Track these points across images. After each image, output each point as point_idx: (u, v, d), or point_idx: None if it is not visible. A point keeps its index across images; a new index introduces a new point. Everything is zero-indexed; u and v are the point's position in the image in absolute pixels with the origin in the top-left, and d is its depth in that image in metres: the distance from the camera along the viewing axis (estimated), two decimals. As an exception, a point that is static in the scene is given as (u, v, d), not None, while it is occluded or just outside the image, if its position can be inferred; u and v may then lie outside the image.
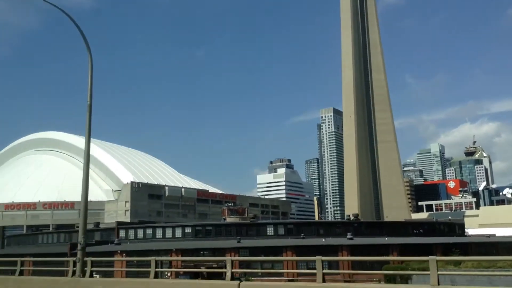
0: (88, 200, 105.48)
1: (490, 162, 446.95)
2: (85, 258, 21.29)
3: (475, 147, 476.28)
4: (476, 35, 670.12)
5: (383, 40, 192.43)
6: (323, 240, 55.35)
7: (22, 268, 27.87)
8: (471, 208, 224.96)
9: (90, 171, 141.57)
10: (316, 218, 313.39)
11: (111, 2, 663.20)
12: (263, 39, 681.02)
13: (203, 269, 39.19)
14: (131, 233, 70.51)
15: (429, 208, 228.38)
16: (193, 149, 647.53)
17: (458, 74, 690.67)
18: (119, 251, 52.15)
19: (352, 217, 73.96)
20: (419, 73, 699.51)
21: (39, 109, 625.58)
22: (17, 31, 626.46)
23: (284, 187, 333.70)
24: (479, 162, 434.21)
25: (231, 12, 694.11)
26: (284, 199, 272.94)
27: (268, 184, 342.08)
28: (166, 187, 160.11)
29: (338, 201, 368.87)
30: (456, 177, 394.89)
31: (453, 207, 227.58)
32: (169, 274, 42.00)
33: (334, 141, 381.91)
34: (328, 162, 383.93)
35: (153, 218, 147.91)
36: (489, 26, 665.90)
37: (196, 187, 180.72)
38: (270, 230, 65.47)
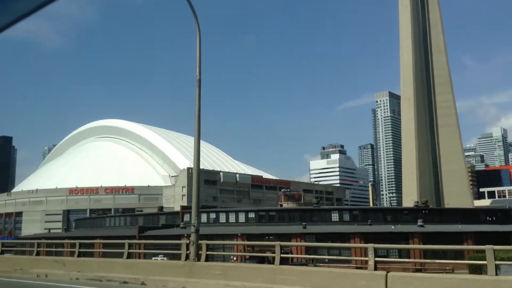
0: (147, 185, 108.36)
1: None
2: (200, 242, 20.48)
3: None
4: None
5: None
6: (393, 227, 53.05)
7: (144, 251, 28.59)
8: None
9: (147, 157, 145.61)
10: (371, 204, 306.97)
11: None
12: (315, 21, 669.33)
13: (268, 254, 38.33)
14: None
15: (491, 194, 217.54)
16: (245, 135, 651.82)
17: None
18: (185, 235, 52.48)
19: (420, 204, 70.75)
20: (478, 54, 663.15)
21: (98, 98, 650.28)
22: (74, 21, 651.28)
23: (338, 173, 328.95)
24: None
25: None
26: (338, 185, 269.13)
27: (322, 170, 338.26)
28: (221, 173, 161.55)
29: (394, 188, 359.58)
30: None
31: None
32: (234, 258, 41.65)
33: (390, 126, 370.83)
34: (383, 147, 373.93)
35: (209, 203, 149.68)
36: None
37: (250, 173, 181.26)
38: (335, 216, 63.75)
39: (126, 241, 22.62)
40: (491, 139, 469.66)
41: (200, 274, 18.15)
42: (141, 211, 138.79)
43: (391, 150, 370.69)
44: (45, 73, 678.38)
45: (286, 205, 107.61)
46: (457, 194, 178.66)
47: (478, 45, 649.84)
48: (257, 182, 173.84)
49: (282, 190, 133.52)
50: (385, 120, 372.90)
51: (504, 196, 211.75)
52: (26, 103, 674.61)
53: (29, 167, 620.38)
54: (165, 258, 40.16)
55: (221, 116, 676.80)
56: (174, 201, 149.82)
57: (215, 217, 69.67)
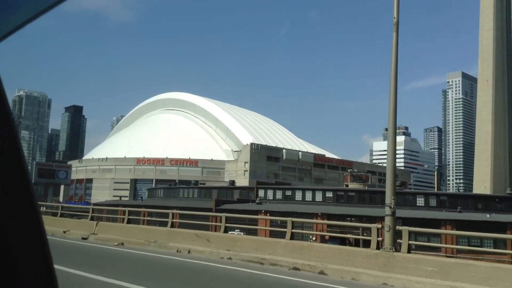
0: (211, 159, 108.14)
1: None
2: (398, 228, 16.97)
3: None
4: None
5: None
6: (488, 215, 49.25)
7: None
8: None
9: (211, 130, 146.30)
10: (435, 189, 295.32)
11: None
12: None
13: (349, 236, 36.38)
14: (270, 193, 70.51)
15: None
16: (305, 114, 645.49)
17: None
18: (262, 211, 51.74)
19: None
20: None
21: (165, 72, 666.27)
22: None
23: (402, 156, 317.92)
24: None
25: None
26: (402, 168, 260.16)
27: (385, 151, 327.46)
28: (284, 150, 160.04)
29: (461, 173, 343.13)
30: None
31: None
32: (314, 238, 40.07)
33: (461, 108, 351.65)
34: (452, 131, 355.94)
35: (270, 180, 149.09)
36: None
37: (313, 152, 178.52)
38: (420, 201, 60.46)
39: (289, 219, 19.64)
40: None
41: (403, 269, 14.44)
42: (204, 184, 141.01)
43: (461, 133, 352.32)
44: (114, 46, 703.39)
45: (353, 186, 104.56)
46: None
47: None
48: (319, 161, 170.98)
49: (349, 170, 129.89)
50: (456, 102, 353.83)
51: None
52: (97, 75, 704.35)
53: (97, 136, 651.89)
54: (242, 233, 39.16)
55: (284, 92, 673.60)
56: (236, 176, 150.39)
57: (290, 194, 68.61)
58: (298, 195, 66.75)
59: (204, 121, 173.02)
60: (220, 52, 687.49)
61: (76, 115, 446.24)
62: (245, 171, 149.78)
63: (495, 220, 45.61)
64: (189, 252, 19.67)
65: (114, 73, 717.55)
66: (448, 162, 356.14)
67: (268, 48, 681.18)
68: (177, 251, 19.91)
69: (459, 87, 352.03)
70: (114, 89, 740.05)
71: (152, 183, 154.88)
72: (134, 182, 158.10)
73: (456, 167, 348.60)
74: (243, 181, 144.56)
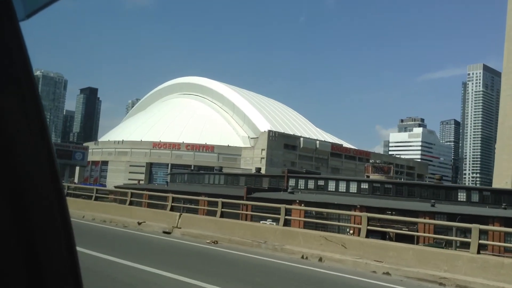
0: (227, 145, 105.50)
1: None
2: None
3: None
4: None
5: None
6: None
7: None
8: None
9: (229, 117, 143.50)
10: (451, 183, 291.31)
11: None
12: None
13: (391, 230, 34.26)
14: (301, 182, 68.23)
15: None
16: (321, 102, 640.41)
17: None
18: (297, 201, 49.68)
19: None
20: None
21: (182, 57, 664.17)
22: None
23: (419, 148, 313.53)
24: None
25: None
26: (419, 160, 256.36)
27: (402, 143, 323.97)
28: (301, 138, 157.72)
29: (478, 167, 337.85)
30: None
31: None
32: (351, 231, 38.10)
33: (481, 101, 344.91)
34: (471, 124, 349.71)
35: (287, 168, 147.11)
36: None
37: (330, 141, 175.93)
38: (461, 196, 57.63)
39: (367, 215, 17.18)
40: None
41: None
42: (220, 169, 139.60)
43: (480, 127, 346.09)
44: (131, 30, 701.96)
45: (374, 177, 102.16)
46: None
47: None
48: (336, 151, 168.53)
49: (371, 161, 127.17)
50: (476, 94, 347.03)
51: None
52: (112, 58, 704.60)
53: (112, 119, 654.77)
54: (274, 223, 37.25)
55: (298, 82, 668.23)
56: (253, 163, 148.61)
57: (323, 184, 66.11)
58: (331, 186, 64.22)
59: (221, 107, 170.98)
60: (238, 39, 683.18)
61: (91, 97, 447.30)
62: (262, 158, 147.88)
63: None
64: (320, 259, 15.67)
65: (130, 56, 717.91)
66: (465, 155, 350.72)
67: (285, 37, 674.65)
68: (303, 257, 16.04)
69: (480, 79, 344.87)
70: (130, 72, 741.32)
71: (168, 168, 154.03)
72: (150, 166, 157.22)
73: (473, 161, 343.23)
74: (259, 168, 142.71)
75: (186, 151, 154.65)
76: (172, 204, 22.94)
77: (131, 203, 25.75)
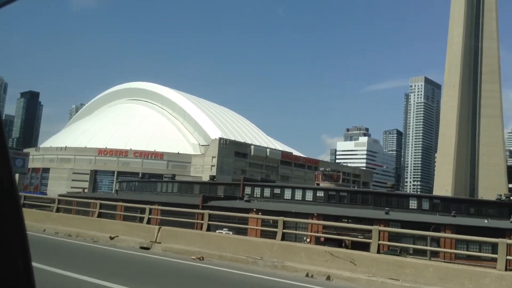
0: (177, 152, 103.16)
1: None
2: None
3: None
4: None
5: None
6: (486, 221, 48.26)
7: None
8: None
9: (178, 123, 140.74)
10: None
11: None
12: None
13: (346, 238, 33.91)
14: (257, 190, 66.89)
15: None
16: (265, 109, 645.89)
17: None
18: (254, 209, 48.38)
19: (504, 197, 65.35)
20: (508, 43, 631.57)
21: (129, 61, 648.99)
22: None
23: (365, 156, 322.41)
24: None
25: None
26: (364, 168, 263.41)
27: (348, 151, 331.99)
28: (252, 146, 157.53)
29: (419, 176, 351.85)
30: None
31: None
32: (308, 239, 37.49)
33: (422, 112, 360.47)
34: (412, 134, 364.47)
35: (237, 176, 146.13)
36: None
37: (280, 149, 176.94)
38: (413, 204, 58.80)
39: (378, 228, 15.90)
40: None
41: None
42: (173, 177, 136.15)
43: (420, 137, 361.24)
44: (75, 31, 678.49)
45: (323, 184, 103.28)
46: (493, 189, 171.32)
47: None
48: (286, 159, 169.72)
49: (321, 169, 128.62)
50: (417, 105, 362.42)
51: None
52: (55, 61, 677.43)
53: (54, 124, 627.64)
54: (230, 232, 36.06)
55: (253, 89, 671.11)
56: (203, 171, 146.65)
57: (279, 192, 65.17)
58: (288, 194, 63.66)
59: (172, 113, 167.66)
60: (189, 47, 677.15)
61: (32, 101, 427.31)
62: (212, 166, 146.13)
63: (493, 226, 44.61)
64: (328, 278, 14.03)
65: (74, 60, 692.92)
66: (407, 164, 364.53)
67: (237, 46, 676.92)
68: (307, 275, 14.37)
69: (421, 91, 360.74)
70: (74, 76, 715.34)
71: (114, 175, 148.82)
72: (94, 174, 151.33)
73: (414, 169, 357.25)
74: (210, 176, 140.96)
75: (134, 158, 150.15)
76: (149, 216, 20.69)
77: (85, 214, 23.34)
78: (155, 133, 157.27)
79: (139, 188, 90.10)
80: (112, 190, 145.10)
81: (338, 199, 61.24)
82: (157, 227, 18.91)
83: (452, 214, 53.32)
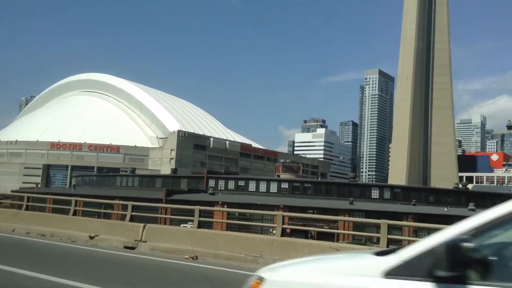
0: (134, 145, 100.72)
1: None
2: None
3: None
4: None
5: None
6: (445, 209, 49.74)
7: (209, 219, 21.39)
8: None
9: (135, 116, 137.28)
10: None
11: None
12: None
13: (312, 228, 34.05)
14: (221, 183, 65.85)
15: (469, 180, 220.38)
16: (224, 102, 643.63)
17: (501, 42, 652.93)
18: (220, 202, 47.59)
19: (460, 186, 67.54)
20: (460, 38, 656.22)
21: (82, 51, 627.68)
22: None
23: (322, 148, 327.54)
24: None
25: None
26: (322, 159, 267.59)
27: (306, 143, 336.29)
28: (211, 139, 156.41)
29: (374, 166, 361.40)
30: (497, 151, 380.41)
31: (495, 181, 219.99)
32: (274, 231, 37.32)
33: (376, 104, 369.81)
34: (368, 125, 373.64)
35: (197, 168, 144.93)
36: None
37: (239, 141, 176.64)
38: (375, 193, 59.90)
39: (386, 222, 15.06)
40: (469, 125, 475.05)
41: None
42: (126, 171, 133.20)
43: (375, 128, 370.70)
44: (23, 20, 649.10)
45: (284, 176, 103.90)
46: (444, 177, 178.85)
47: (461, 29, 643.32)
48: (245, 151, 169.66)
49: (281, 161, 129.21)
50: (372, 97, 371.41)
51: (482, 182, 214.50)
52: (2, 51, 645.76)
53: (2, 118, 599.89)
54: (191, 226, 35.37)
55: (210, 81, 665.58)
56: (161, 164, 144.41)
57: (243, 184, 64.54)
58: (252, 186, 63.21)
59: (128, 106, 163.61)
60: (147, 41, 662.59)
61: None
62: (171, 159, 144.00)
63: (452, 213, 46.10)
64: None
65: (22, 49, 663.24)
66: (362, 154, 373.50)
67: (193, 38, 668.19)
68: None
69: (375, 83, 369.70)
70: (22, 67, 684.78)
71: (68, 170, 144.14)
72: (47, 168, 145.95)
73: (369, 159, 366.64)
74: (168, 169, 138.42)
75: (89, 152, 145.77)
76: (132, 213, 19.30)
77: (75, 213, 21.50)
78: (110, 126, 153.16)
79: (97, 182, 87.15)
80: (66, 185, 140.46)
81: (302, 191, 61.67)
82: (141, 224, 17.46)
83: (412, 203, 54.94)
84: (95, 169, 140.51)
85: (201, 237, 16.45)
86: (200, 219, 17.46)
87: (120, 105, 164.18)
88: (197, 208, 17.61)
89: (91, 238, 17.66)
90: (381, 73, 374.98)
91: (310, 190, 61.34)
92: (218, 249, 15.41)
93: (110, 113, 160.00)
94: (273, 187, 62.42)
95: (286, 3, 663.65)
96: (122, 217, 22.76)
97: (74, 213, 21.19)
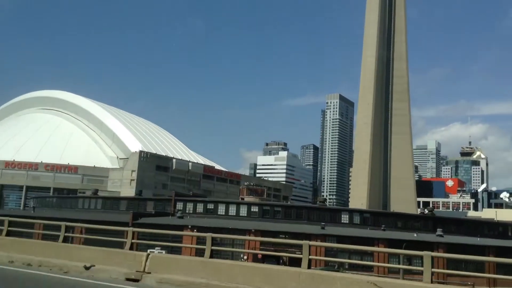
0: (93, 165, 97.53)
1: (487, 164, 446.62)
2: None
3: (471, 148, 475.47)
4: (478, 33, 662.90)
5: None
6: (415, 235, 50.02)
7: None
8: (469, 209, 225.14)
9: (96, 135, 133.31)
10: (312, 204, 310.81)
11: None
12: (270, 11, 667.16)
13: (284, 254, 33.27)
14: (190, 206, 63.77)
15: (426, 205, 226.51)
16: (183, 124, 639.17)
17: (454, 71, 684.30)
18: (189, 226, 45.85)
19: (426, 211, 68.38)
20: (415, 65, 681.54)
21: (39, 66, 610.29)
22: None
23: (284, 171, 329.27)
24: (476, 163, 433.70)
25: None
26: (284, 182, 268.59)
27: (268, 166, 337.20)
28: (174, 160, 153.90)
29: (334, 190, 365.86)
30: (451, 176, 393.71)
31: (451, 206, 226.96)
32: (245, 257, 36.27)
33: (337, 128, 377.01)
34: (328, 149, 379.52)
35: (158, 190, 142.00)
36: (492, 26, 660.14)
37: (202, 163, 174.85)
38: (344, 218, 59.49)
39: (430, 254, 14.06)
40: (425, 151, 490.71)
41: None
42: (84, 193, 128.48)
43: (336, 152, 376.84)
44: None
45: (248, 199, 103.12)
46: (403, 201, 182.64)
47: (417, 56, 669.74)
48: (209, 173, 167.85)
49: (245, 184, 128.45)
50: (333, 122, 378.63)
51: (438, 208, 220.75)
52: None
53: None
54: (164, 252, 33.95)
55: (174, 101, 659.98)
56: (121, 185, 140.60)
57: (213, 207, 62.75)
58: (221, 209, 61.68)
59: (88, 124, 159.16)
60: (105, 57, 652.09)
61: None
62: (131, 180, 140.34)
63: (422, 239, 46.46)
64: None
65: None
66: (323, 178, 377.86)
67: (155, 55, 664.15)
68: None
69: (336, 108, 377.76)
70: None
71: (22, 190, 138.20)
72: (1, 189, 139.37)
73: (330, 183, 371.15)
74: (129, 191, 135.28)
75: (45, 172, 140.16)
76: (133, 241, 17.36)
77: (65, 240, 19.28)
78: (69, 145, 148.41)
79: (57, 204, 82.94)
80: (20, 206, 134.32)
81: (272, 214, 60.80)
82: (144, 253, 15.82)
83: (382, 228, 55.19)
84: (51, 190, 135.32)
85: (215, 268, 14.89)
86: (213, 247, 15.96)
87: (79, 124, 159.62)
88: (209, 235, 16.11)
89: (87, 268, 15.89)
90: (342, 98, 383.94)
91: (280, 214, 60.58)
92: (235, 282, 13.86)
93: (69, 132, 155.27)
94: (243, 211, 61.10)
95: (249, 26, 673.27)
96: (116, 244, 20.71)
97: (65, 240, 19.18)
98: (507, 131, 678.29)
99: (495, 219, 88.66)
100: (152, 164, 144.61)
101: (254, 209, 61.10)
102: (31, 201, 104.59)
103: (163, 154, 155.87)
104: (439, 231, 51.21)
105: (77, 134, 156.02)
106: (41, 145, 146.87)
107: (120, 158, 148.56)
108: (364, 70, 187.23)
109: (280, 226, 50.67)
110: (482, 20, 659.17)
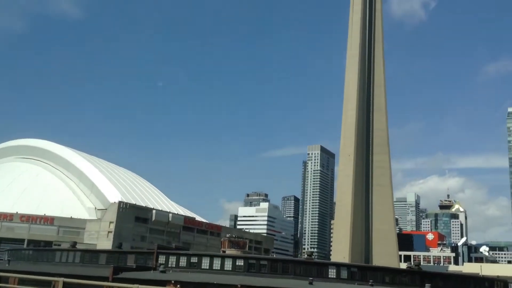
0: (70, 216, 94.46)
1: (466, 218, 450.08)
2: None
3: (450, 201, 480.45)
4: (453, 87, 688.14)
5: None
6: None
7: None
8: (449, 263, 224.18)
9: (73, 185, 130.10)
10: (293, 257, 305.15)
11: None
12: (253, 64, 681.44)
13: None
14: (173, 259, 61.27)
15: (407, 258, 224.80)
16: (163, 174, 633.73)
17: (430, 124, 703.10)
18: (173, 281, 43.76)
19: (413, 266, 67.26)
20: (394, 119, 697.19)
21: (19, 114, 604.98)
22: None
23: (266, 222, 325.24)
24: (455, 216, 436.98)
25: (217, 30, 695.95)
26: (265, 234, 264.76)
27: (249, 217, 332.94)
28: (154, 211, 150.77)
29: (316, 242, 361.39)
30: (431, 229, 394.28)
31: (431, 260, 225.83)
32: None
33: (318, 180, 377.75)
34: (310, 201, 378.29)
35: (136, 242, 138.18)
36: (466, 80, 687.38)
37: (183, 214, 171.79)
38: (332, 272, 57.91)
39: None
40: (405, 204, 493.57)
41: None
42: (59, 245, 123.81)
43: (317, 204, 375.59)
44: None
45: (230, 252, 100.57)
46: (385, 254, 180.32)
47: (394, 110, 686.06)
48: (189, 224, 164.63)
49: (227, 236, 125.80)
50: (314, 173, 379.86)
51: (419, 261, 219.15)
52: None
53: None
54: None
55: (153, 152, 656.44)
56: (98, 238, 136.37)
57: (196, 261, 60.38)
58: (205, 263, 59.43)
59: (66, 174, 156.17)
60: (83, 94, 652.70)
61: None
62: (109, 232, 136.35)
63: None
64: None
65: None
66: (304, 230, 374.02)
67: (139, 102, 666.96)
68: None
69: (317, 159, 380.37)
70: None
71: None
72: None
73: (311, 235, 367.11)
74: (106, 243, 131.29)
75: (20, 223, 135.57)
76: None
77: None
78: (46, 195, 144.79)
79: (33, 257, 79.12)
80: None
81: (258, 268, 58.69)
82: None
83: (370, 283, 53.87)
84: (25, 242, 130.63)
85: None
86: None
87: (58, 173, 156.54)
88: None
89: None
90: (323, 149, 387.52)
91: (266, 268, 58.47)
92: None
93: (47, 182, 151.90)
94: (228, 265, 58.86)
95: (231, 77, 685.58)
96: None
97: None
98: (482, 184, 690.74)
99: (480, 274, 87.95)
100: (131, 215, 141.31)
101: (240, 262, 59.05)
102: (5, 253, 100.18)
103: (143, 204, 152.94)
104: (427, 287, 50.17)
105: (55, 184, 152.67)
106: (18, 195, 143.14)
107: (98, 209, 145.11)
108: (344, 123, 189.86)
109: (267, 281, 48.92)
110: (455, 75, 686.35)
